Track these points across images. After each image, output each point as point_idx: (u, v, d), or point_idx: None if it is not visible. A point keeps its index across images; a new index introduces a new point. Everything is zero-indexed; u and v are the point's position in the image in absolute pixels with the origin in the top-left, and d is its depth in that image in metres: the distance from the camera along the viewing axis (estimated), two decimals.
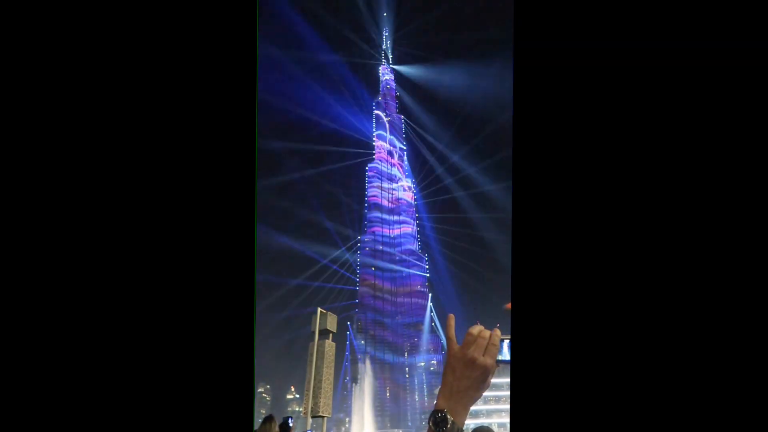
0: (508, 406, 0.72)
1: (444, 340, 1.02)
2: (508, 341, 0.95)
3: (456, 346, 0.96)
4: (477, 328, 0.96)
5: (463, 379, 0.91)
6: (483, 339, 0.93)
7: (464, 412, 0.91)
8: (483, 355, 0.92)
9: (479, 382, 0.92)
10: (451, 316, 1.00)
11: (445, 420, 0.87)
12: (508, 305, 0.76)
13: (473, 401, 0.92)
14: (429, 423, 0.89)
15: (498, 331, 0.94)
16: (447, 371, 0.95)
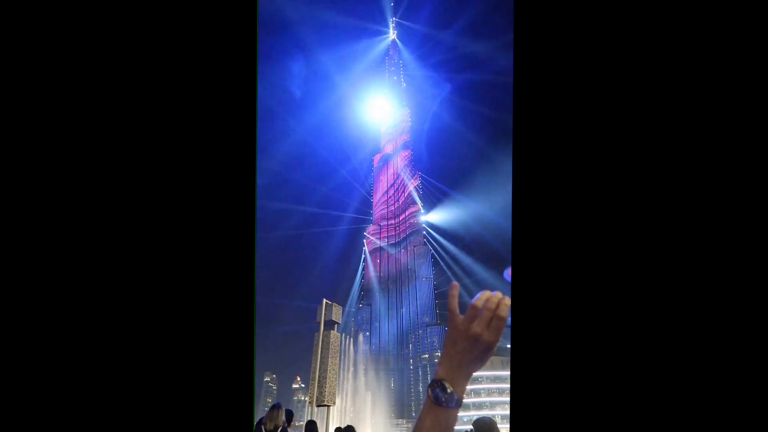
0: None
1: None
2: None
3: (459, 319, 0.89)
4: (482, 299, 0.88)
5: (464, 353, 0.87)
6: (488, 311, 0.86)
7: (464, 382, 0.88)
8: (487, 330, 0.86)
9: (481, 356, 0.87)
10: (455, 285, 0.93)
11: (444, 389, 0.85)
12: (509, 272, 0.72)
13: (474, 371, 0.89)
14: (428, 392, 0.87)
15: (506, 300, 0.86)
16: (448, 342, 0.90)
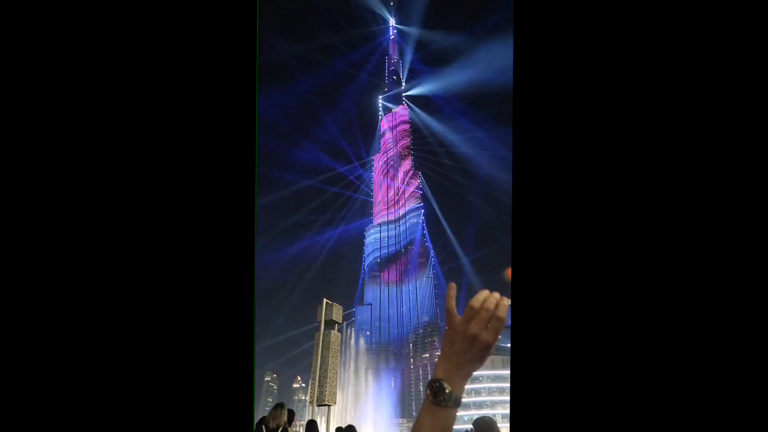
0: None
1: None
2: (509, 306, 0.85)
3: (457, 319, 0.89)
4: (480, 299, 0.88)
5: (462, 353, 0.87)
6: (486, 312, 0.87)
7: (462, 382, 0.88)
8: (485, 330, 0.86)
9: (479, 357, 0.87)
10: (452, 285, 0.92)
11: (442, 389, 0.85)
12: (509, 272, 0.73)
13: (473, 372, 0.89)
14: (427, 392, 0.87)
15: (505, 301, 0.86)
16: (446, 343, 0.90)
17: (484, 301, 0.88)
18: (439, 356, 0.92)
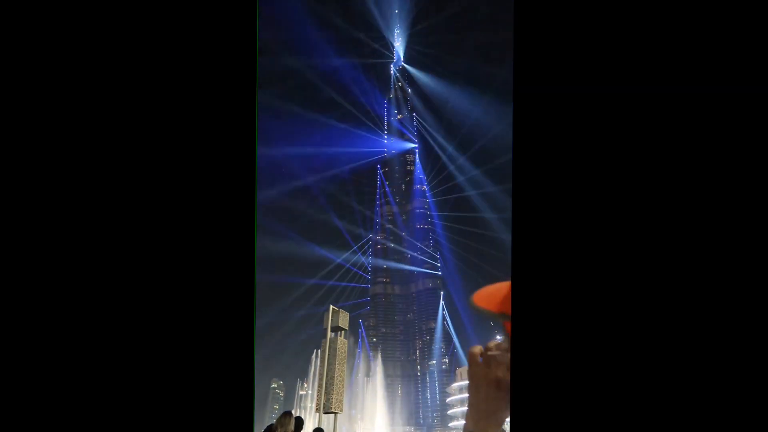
0: None
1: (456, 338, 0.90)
2: None
3: (478, 364, 0.87)
4: (495, 342, 0.87)
5: (489, 400, 0.84)
6: (505, 352, 0.84)
7: (493, 431, 0.83)
8: (507, 371, 0.82)
9: (507, 401, 0.83)
10: (475, 348, 0.90)
11: None
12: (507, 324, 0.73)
13: (503, 419, 0.84)
14: None
15: None
16: (472, 392, 0.88)
17: (500, 343, 0.86)
18: (466, 409, 0.89)
